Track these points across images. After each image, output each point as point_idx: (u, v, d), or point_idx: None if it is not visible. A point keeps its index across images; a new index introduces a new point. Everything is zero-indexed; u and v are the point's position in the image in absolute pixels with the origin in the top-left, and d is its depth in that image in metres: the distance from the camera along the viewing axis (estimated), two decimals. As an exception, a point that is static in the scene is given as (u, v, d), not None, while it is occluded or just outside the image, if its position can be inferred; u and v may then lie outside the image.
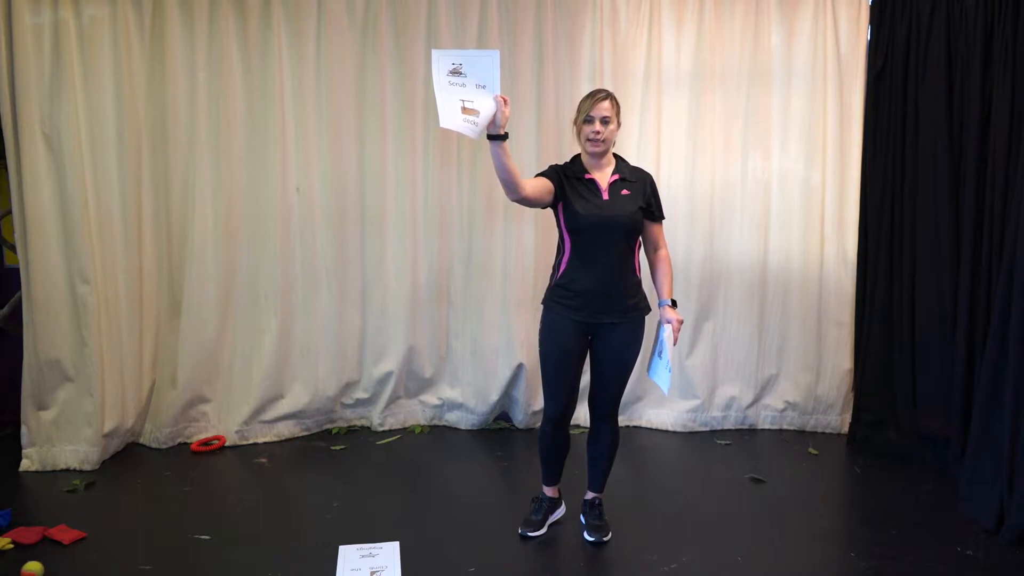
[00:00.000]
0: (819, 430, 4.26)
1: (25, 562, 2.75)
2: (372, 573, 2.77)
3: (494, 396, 4.22)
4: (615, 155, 2.96)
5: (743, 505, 3.38)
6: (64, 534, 3.01)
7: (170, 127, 3.82)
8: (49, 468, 3.65)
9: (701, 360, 4.26)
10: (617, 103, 2.86)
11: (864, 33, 4.06)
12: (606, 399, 2.99)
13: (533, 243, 4.14)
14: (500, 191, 2.88)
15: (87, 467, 3.64)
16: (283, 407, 4.07)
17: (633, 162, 3.13)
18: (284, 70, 3.88)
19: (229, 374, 4.02)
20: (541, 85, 4.05)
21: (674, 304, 2.91)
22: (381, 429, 4.21)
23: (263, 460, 3.83)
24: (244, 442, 4.00)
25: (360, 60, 4.00)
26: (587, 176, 2.87)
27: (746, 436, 4.21)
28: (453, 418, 4.30)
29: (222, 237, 3.91)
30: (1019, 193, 3.19)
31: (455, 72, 2.60)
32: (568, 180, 2.86)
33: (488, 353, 4.20)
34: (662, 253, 2.97)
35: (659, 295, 2.93)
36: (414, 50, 3.98)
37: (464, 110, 2.59)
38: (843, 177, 4.13)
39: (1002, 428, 3.12)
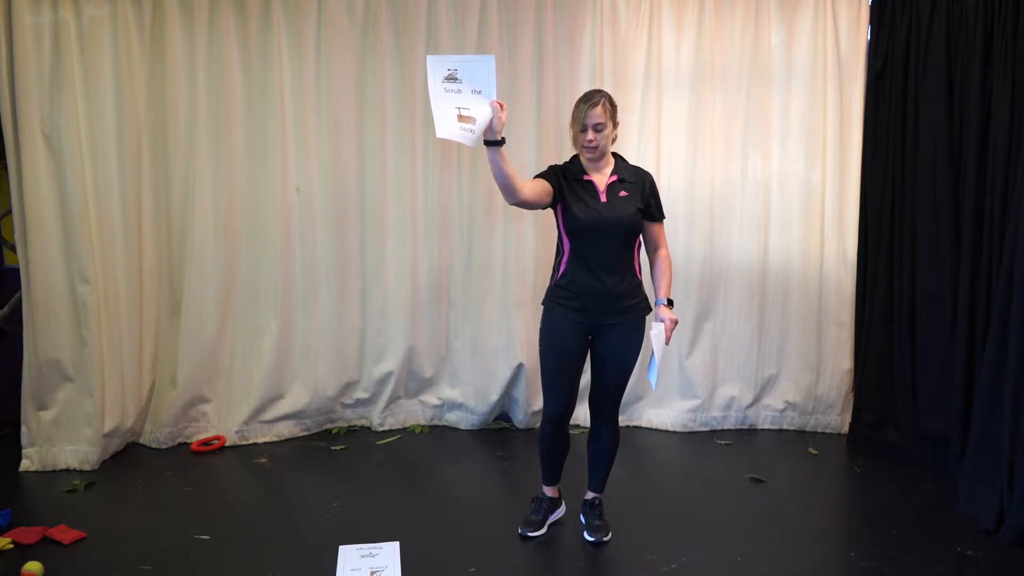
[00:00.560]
0: (819, 430, 4.26)
1: (25, 562, 2.75)
2: (372, 573, 2.77)
3: (494, 396, 4.22)
4: (615, 154, 2.95)
5: (743, 505, 3.38)
6: (64, 534, 3.00)
7: (170, 127, 3.81)
8: (49, 468, 3.65)
9: (701, 360, 4.26)
10: (612, 104, 2.84)
11: (864, 33, 4.06)
12: (606, 399, 2.99)
13: (533, 243, 4.14)
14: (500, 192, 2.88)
15: (87, 467, 3.64)
16: (283, 407, 4.07)
17: (633, 162, 3.12)
18: (284, 70, 3.88)
19: (229, 374, 4.02)
20: (541, 85, 4.05)
21: (670, 304, 2.90)
22: (381, 429, 4.21)
23: (263, 460, 3.83)
24: (244, 442, 4.00)
25: (360, 60, 4.00)
26: (585, 178, 2.87)
27: (746, 436, 4.21)
28: (453, 418, 4.30)
29: (222, 237, 3.91)
30: (1019, 193, 3.19)
31: (450, 79, 2.57)
32: (567, 182, 2.86)
33: (488, 353, 4.20)
34: (662, 253, 2.96)
35: (656, 294, 2.93)
36: (414, 50, 3.98)
37: (460, 118, 2.56)
38: (843, 177, 4.13)
39: (1002, 428, 3.12)
